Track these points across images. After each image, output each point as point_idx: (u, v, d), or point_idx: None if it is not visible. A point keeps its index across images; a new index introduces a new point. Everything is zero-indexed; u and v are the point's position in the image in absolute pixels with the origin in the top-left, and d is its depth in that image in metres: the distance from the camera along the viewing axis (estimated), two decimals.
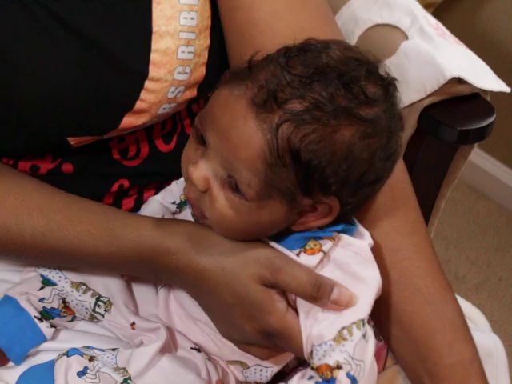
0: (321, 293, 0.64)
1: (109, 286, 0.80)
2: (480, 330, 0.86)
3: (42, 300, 0.80)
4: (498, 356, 0.82)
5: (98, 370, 0.75)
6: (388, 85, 0.66)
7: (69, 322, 0.83)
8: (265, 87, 0.61)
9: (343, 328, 0.63)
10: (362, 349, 0.63)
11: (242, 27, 0.75)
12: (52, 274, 0.81)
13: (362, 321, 0.64)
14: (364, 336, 0.63)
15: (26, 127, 0.74)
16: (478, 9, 1.93)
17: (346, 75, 0.62)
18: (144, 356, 0.74)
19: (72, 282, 0.80)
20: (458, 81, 0.95)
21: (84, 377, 0.74)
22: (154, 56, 0.74)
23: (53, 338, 0.82)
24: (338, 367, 0.62)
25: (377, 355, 0.74)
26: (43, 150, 0.79)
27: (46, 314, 0.81)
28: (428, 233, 0.81)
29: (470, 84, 0.95)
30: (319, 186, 0.63)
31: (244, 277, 0.66)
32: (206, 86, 0.79)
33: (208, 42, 0.77)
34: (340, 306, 0.64)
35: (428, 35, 1.00)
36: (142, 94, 0.74)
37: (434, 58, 0.96)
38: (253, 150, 0.62)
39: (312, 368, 0.64)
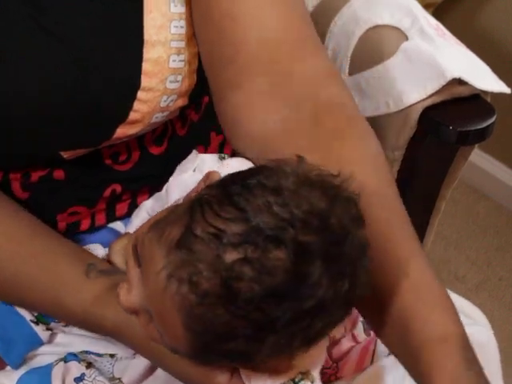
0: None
1: None
2: (473, 323, 0.86)
3: None
4: (491, 349, 0.82)
5: (94, 378, 0.75)
6: None
7: (64, 326, 0.83)
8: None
9: None
10: None
11: (221, 22, 0.72)
12: None
13: (293, 381, 0.61)
14: None
15: (17, 143, 0.73)
16: (477, 9, 1.93)
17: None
18: (138, 367, 0.74)
19: None
20: (459, 82, 0.95)
21: (81, 383, 0.74)
22: (145, 66, 0.72)
23: (50, 342, 0.82)
24: None
25: (364, 350, 0.74)
26: (35, 163, 0.78)
27: (41, 319, 0.81)
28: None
29: (471, 85, 0.95)
30: None
31: (182, 359, 0.63)
32: (198, 93, 0.79)
33: (196, 48, 0.76)
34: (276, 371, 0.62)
35: (428, 36, 1.01)
36: (135, 105, 0.74)
37: (434, 59, 0.96)
38: None
39: None
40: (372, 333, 0.75)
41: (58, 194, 0.79)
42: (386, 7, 1.08)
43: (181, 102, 0.78)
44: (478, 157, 2.04)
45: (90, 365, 0.76)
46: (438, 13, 1.82)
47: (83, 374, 0.75)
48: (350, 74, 1.07)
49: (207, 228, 0.53)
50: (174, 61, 0.74)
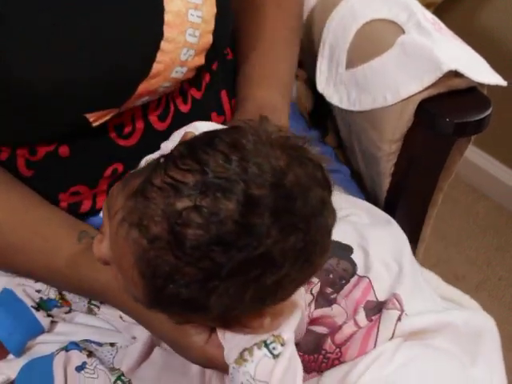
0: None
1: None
2: (471, 309, 0.86)
3: (38, 291, 0.81)
4: (490, 334, 0.82)
5: (95, 366, 0.75)
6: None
7: (66, 313, 0.83)
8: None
9: (245, 350, 0.62)
10: (266, 369, 0.61)
11: None
12: None
13: (265, 342, 0.62)
14: (272, 356, 0.62)
15: (42, 110, 0.74)
16: (477, 9, 1.94)
17: None
18: (133, 354, 0.75)
19: None
20: (455, 74, 0.95)
21: (83, 372, 0.75)
22: (167, 17, 0.76)
23: (52, 331, 0.82)
24: None
25: (367, 334, 0.74)
26: (61, 131, 0.79)
27: (43, 305, 0.81)
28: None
29: (467, 77, 0.96)
30: None
31: (158, 320, 0.66)
32: (213, 55, 0.83)
33: (215, 9, 0.80)
34: (252, 329, 0.63)
35: (425, 30, 1.01)
36: (159, 56, 0.77)
37: (431, 51, 0.96)
38: None
39: None
40: (374, 318, 0.76)
41: (61, 171, 0.81)
42: (383, 2, 1.08)
43: (198, 60, 0.81)
44: (477, 156, 2.04)
45: (91, 353, 0.77)
46: (438, 13, 1.82)
47: (84, 363, 0.76)
48: (348, 67, 1.07)
49: (166, 179, 0.55)
50: (192, 15, 0.78)
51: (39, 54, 0.71)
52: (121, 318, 0.80)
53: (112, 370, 0.76)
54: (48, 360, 0.77)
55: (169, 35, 0.77)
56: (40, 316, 0.81)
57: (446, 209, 1.95)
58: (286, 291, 0.60)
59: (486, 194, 2.08)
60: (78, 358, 0.76)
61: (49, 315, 0.82)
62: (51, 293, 0.81)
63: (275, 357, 0.61)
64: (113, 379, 0.74)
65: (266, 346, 0.62)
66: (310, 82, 1.18)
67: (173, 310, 0.61)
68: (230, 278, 0.55)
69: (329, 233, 0.60)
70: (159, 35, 0.76)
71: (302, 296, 0.68)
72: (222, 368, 0.66)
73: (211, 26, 0.81)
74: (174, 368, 0.74)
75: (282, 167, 0.56)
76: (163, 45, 0.77)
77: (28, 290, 0.81)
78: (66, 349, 0.77)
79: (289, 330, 0.63)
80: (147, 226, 0.55)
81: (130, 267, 0.57)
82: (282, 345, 0.62)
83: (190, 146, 0.57)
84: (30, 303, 0.81)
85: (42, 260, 0.75)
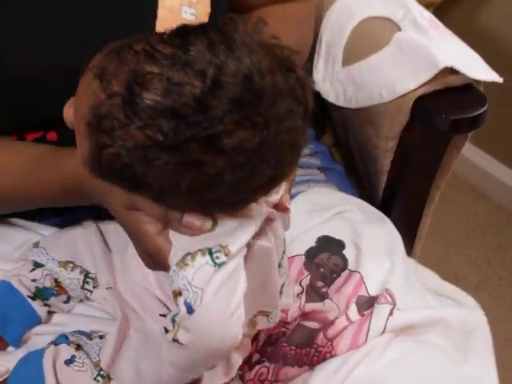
0: (169, 214, 0.62)
1: (95, 260, 0.80)
2: (465, 307, 0.86)
3: (34, 281, 0.81)
4: (482, 332, 0.82)
5: (83, 360, 0.75)
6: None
7: (65, 302, 0.83)
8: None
9: (188, 254, 0.60)
10: (204, 277, 0.59)
11: None
12: (40, 257, 0.81)
13: (210, 250, 0.60)
14: (213, 264, 0.59)
15: (32, 97, 0.75)
16: (477, 9, 1.93)
17: None
18: (108, 345, 0.75)
19: (59, 262, 0.81)
20: (451, 71, 0.95)
21: (72, 365, 0.75)
22: (161, 12, 0.77)
23: (48, 321, 0.83)
24: (179, 293, 0.59)
25: (358, 329, 0.75)
26: (48, 123, 0.80)
27: (39, 294, 0.81)
28: None
29: (463, 74, 0.95)
30: None
31: (115, 203, 0.66)
32: None
33: (209, 9, 0.81)
34: (191, 231, 0.61)
35: (421, 27, 1.01)
36: None
37: (427, 48, 0.96)
38: None
39: None
40: (365, 312, 0.75)
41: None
42: (379, 0, 1.08)
43: None
44: (477, 156, 2.03)
45: (79, 347, 0.77)
46: (438, 13, 1.82)
47: (73, 356, 0.76)
48: (344, 65, 1.07)
49: (145, 46, 0.55)
50: (185, 12, 0.79)
51: (39, 53, 0.72)
52: (104, 299, 0.80)
53: (96, 364, 0.76)
54: (39, 355, 0.77)
55: (160, 30, 0.77)
56: (36, 305, 0.81)
57: (446, 209, 1.94)
58: (228, 194, 0.57)
59: (485, 194, 2.07)
60: (66, 351, 0.76)
61: (46, 304, 0.82)
62: (46, 281, 0.82)
63: (216, 265, 0.59)
64: (95, 374, 0.74)
65: (210, 253, 0.59)
66: None
67: (114, 179, 0.59)
68: (172, 152, 0.54)
69: (293, 148, 0.57)
70: (151, 29, 0.76)
71: (260, 214, 0.63)
72: (166, 266, 0.63)
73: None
74: (153, 352, 0.74)
75: (262, 68, 0.55)
76: None
77: (23, 280, 0.81)
78: (55, 343, 0.77)
79: (237, 243, 0.60)
80: (109, 80, 0.55)
81: (82, 118, 0.57)
82: (227, 255, 0.59)
83: (183, 28, 0.57)
84: (26, 293, 0.81)
85: (28, 176, 0.76)
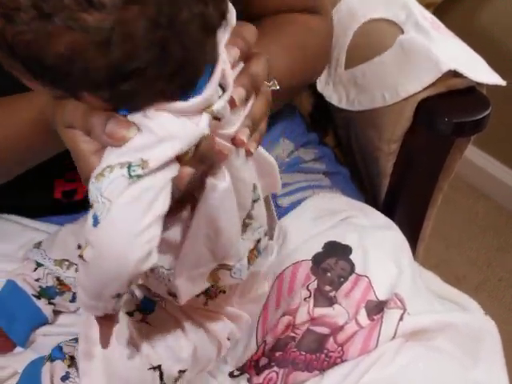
0: (92, 120, 0.58)
1: None
2: (471, 312, 0.86)
3: (37, 280, 0.81)
4: (491, 337, 0.82)
5: (75, 376, 0.75)
6: None
7: (71, 301, 0.83)
8: None
9: (108, 166, 0.56)
10: (116, 188, 0.55)
11: None
12: (38, 257, 0.81)
13: (130, 163, 0.55)
14: (128, 177, 0.55)
15: None
16: (478, 9, 1.93)
17: None
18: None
19: (55, 260, 0.81)
20: (454, 74, 0.95)
21: (67, 381, 0.75)
22: None
23: (55, 322, 0.83)
24: (91, 206, 0.56)
25: (369, 334, 0.74)
26: None
27: (43, 293, 0.82)
28: None
29: (466, 77, 0.95)
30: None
31: (57, 122, 0.62)
32: None
33: None
34: (113, 140, 0.56)
35: (423, 29, 1.01)
36: None
37: (430, 51, 0.96)
38: None
39: None
40: (375, 317, 0.75)
41: (57, 156, 0.79)
42: (381, 1, 1.08)
43: None
44: (478, 157, 2.04)
45: (72, 361, 0.76)
46: (438, 13, 1.82)
47: (68, 373, 0.76)
48: (347, 67, 1.07)
49: None
50: None
51: None
52: None
53: None
54: (37, 371, 0.77)
55: None
56: (42, 304, 0.81)
57: (447, 209, 1.94)
58: (138, 86, 0.53)
59: (486, 195, 2.07)
60: (61, 368, 0.76)
61: (51, 303, 0.82)
62: (49, 280, 0.81)
63: (131, 178, 0.55)
64: None
65: (129, 167, 0.55)
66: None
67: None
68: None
69: (203, 28, 0.53)
70: None
71: (187, 132, 0.57)
72: None
73: None
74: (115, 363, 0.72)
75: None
76: None
77: (28, 279, 0.81)
78: (51, 358, 0.77)
79: (159, 158, 0.55)
80: None
81: None
82: (143, 169, 0.55)
83: None
84: (30, 291, 0.81)
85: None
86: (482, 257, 1.94)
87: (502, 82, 0.97)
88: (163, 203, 0.56)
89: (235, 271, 0.67)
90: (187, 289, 0.66)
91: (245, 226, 0.66)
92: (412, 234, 1.05)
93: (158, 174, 0.55)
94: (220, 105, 0.57)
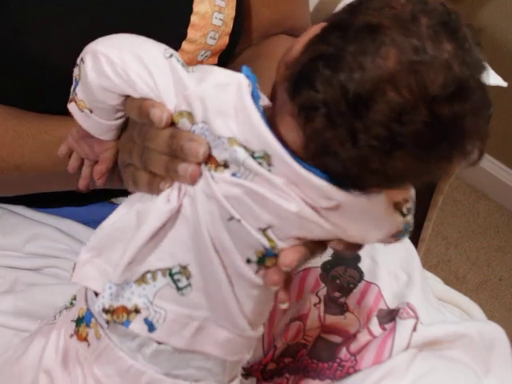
0: None
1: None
2: (480, 320, 0.85)
3: None
4: (502, 345, 0.81)
5: None
6: None
7: None
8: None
9: (148, 272, 0.57)
10: (165, 296, 0.56)
11: None
12: None
13: (170, 270, 0.56)
14: (176, 287, 0.56)
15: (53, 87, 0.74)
16: (478, 9, 1.93)
17: None
18: None
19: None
20: None
21: None
22: (194, 18, 0.78)
23: None
24: (136, 311, 0.56)
25: (382, 344, 0.74)
26: None
27: None
28: None
29: None
30: None
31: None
32: (226, 55, 0.84)
33: (234, 12, 0.82)
34: None
35: None
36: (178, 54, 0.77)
37: None
38: None
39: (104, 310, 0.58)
40: (388, 327, 0.75)
41: None
42: None
43: (211, 61, 0.83)
44: None
45: None
46: None
47: None
48: None
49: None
50: (215, 18, 0.80)
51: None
52: None
53: None
54: None
55: (191, 36, 0.78)
56: None
57: (447, 209, 1.94)
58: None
59: (486, 195, 2.07)
60: None
61: None
62: None
63: (178, 289, 0.56)
64: None
65: (170, 271, 0.57)
66: None
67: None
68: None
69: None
70: (183, 35, 0.78)
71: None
72: None
73: (229, 28, 0.82)
74: None
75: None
76: (184, 45, 0.78)
77: None
78: None
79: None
80: None
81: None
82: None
83: None
84: None
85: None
86: (482, 257, 1.94)
87: (503, 83, 0.97)
88: None
89: None
90: None
91: None
92: (413, 235, 1.05)
93: None
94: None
